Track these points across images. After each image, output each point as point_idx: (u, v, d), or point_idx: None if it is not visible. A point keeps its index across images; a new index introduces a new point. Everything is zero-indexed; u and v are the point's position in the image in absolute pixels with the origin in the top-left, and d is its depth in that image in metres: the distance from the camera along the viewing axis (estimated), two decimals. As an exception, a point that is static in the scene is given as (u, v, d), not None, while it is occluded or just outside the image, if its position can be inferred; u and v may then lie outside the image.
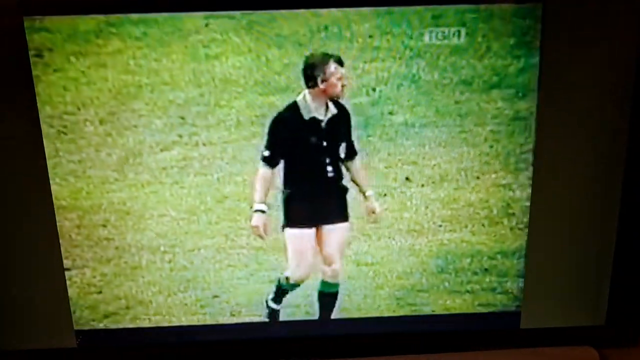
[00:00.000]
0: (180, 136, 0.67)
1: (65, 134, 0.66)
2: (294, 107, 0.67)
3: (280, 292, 0.73)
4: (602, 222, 0.70)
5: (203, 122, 0.67)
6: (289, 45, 0.64)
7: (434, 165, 0.69)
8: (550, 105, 0.67)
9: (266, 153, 0.68)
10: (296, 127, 0.69)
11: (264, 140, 0.68)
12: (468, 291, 0.73)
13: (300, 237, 0.72)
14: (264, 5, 0.63)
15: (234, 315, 0.73)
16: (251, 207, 0.70)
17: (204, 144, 0.67)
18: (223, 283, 0.72)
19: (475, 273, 0.72)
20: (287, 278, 0.73)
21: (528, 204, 0.70)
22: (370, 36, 0.64)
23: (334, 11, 0.63)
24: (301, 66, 0.66)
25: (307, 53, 0.65)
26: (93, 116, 0.66)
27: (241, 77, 0.65)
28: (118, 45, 0.64)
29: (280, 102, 0.66)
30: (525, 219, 0.70)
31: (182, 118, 0.66)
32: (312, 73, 0.66)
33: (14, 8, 0.62)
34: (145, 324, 0.73)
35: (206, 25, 0.64)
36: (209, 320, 0.73)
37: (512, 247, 0.71)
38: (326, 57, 0.65)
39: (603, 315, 0.74)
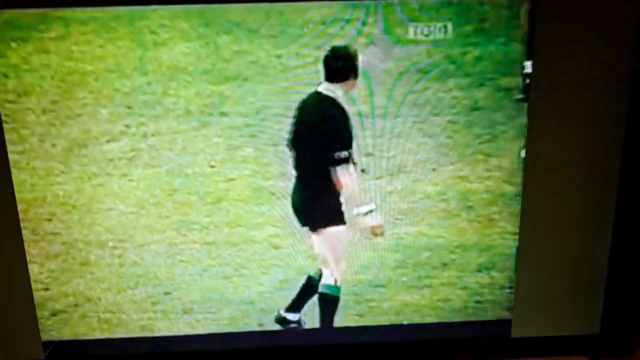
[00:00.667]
0: (127, 126, 0.64)
1: (6, 122, 0.64)
2: (334, 103, 0.65)
3: (325, 300, 0.71)
4: (596, 226, 0.68)
5: (151, 112, 0.64)
6: (239, 32, 0.62)
7: (390, 156, 0.67)
8: (542, 103, 0.64)
9: (346, 154, 0.66)
10: (348, 121, 0.66)
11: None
12: (427, 286, 0.71)
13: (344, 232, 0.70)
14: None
15: (186, 312, 0.71)
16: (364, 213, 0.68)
17: (152, 135, 0.65)
18: (175, 279, 0.69)
19: (434, 267, 0.70)
20: (335, 281, 0.70)
21: (487, 196, 0.68)
22: (323, 22, 0.62)
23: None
24: (330, 60, 0.63)
25: (330, 46, 0.62)
26: (35, 105, 0.63)
27: (190, 64, 0.63)
28: (61, 31, 0.61)
29: (230, 92, 0.64)
30: (484, 212, 0.69)
31: (129, 107, 0.64)
32: (353, 65, 0.63)
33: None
34: (94, 323, 0.71)
35: (153, 10, 0.61)
36: (161, 318, 0.71)
37: (471, 240, 0.70)
38: (356, 50, 0.63)
39: (597, 323, 0.72)
